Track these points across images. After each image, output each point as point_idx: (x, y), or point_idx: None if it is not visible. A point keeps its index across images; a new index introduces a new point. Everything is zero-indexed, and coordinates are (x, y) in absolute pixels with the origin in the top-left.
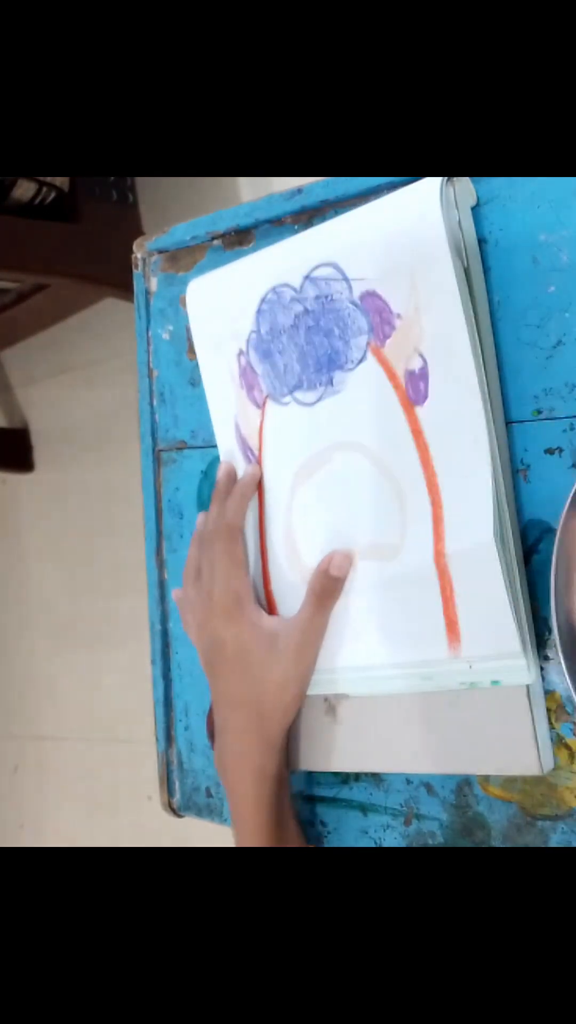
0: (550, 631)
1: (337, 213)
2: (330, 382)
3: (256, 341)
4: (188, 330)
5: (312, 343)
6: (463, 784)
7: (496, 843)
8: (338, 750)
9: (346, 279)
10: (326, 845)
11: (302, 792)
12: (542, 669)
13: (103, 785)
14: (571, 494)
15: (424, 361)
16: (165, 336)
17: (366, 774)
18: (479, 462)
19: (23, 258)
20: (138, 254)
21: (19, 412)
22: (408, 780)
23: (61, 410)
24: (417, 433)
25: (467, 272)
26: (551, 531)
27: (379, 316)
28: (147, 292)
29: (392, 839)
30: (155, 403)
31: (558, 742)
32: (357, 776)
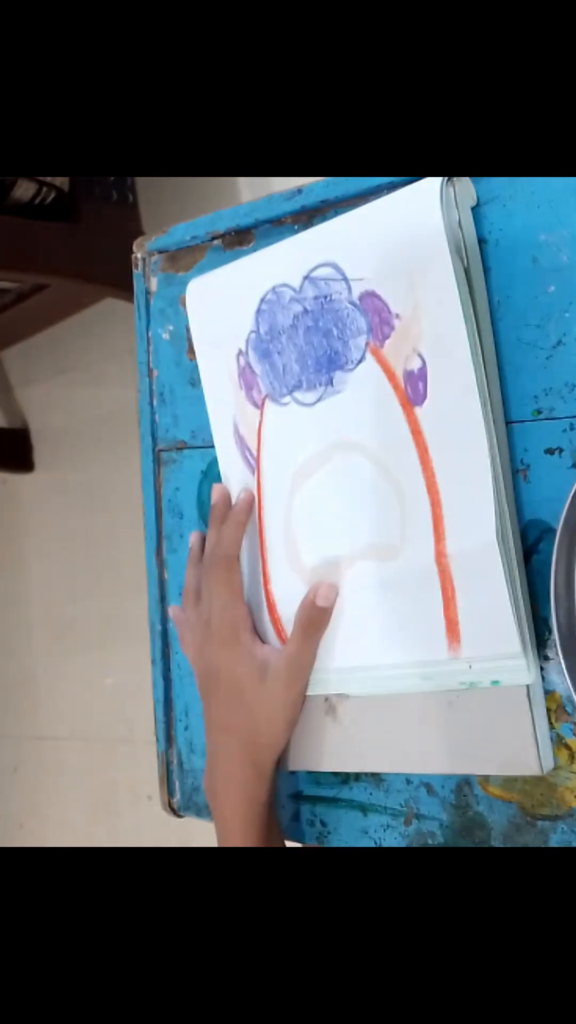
0: (550, 631)
1: (337, 213)
2: (330, 382)
3: (255, 341)
4: (188, 330)
5: (311, 343)
6: (463, 784)
7: (496, 843)
8: (338, 750)
9: (345, 279)
10: (326, 845)
11: (302, 792)
12: (542, 669)
13: (103, 785)
14: (571, 494)
15: (423, 361)
16: (165, 336)
17: (366, 774)
18: (478, 462)
19: (23, 258)
20: (138, 254)
21: (19, 412)
22: (408, 780)
23: (61, 410)
24: (416, 433)
25: (467, 272)
26: (551, 531)
27: (378, 316)
28: (147, 292)
29: (392, 839)
30: (155, 403)
31: (558, 742)
32: (357, 776)
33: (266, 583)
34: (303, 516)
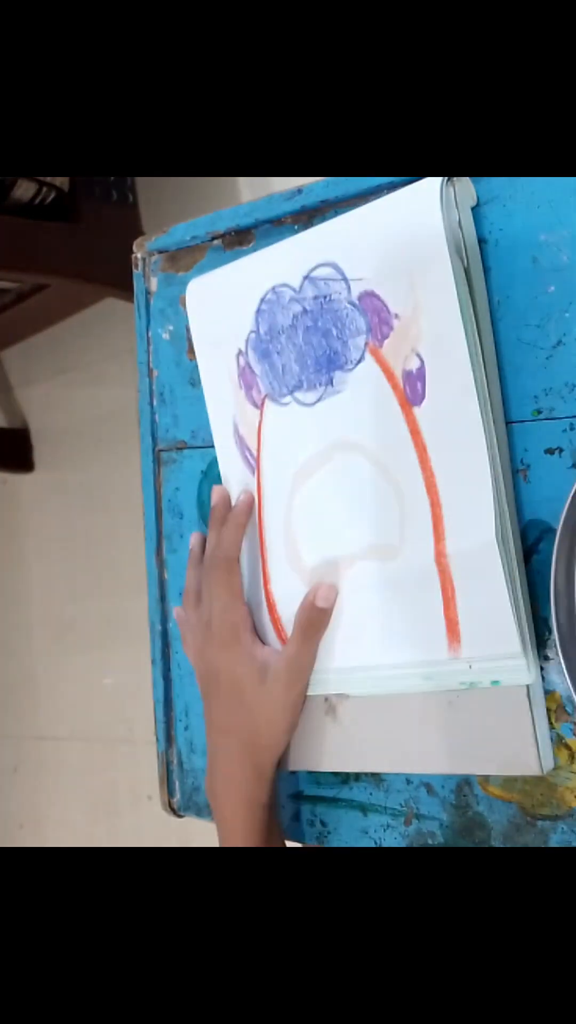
0: (550, 631)
1: (337, 213)
2: (330, 382)
3: (255, 341)
4: (188, 330)
5: (310, 343)
6: (463, 784)
7: (496, 843)
8: (338, 750)
9: (345, 279)
10: (326, 845)
11: (302, 792)
12: (542, 669)
13: (103, 785)
14: (571, 494)
15: (421, 361)
16: (165, 336)
17: (366, 774)
18: (477, 462)
19: (23, 258)
20: (138, 254)
21: (19, 412)
22: (408, 780)
23: (61, 410)
24: (415, 433)
25: (467, 272)
26: (551, 531)
27: (377, 316)
28: (147, 292)
29: (392, 839)
30: (155, 403)
31: (558, 742)
32: (357, 776)
33: (266, 583)
34: (303, 516)
